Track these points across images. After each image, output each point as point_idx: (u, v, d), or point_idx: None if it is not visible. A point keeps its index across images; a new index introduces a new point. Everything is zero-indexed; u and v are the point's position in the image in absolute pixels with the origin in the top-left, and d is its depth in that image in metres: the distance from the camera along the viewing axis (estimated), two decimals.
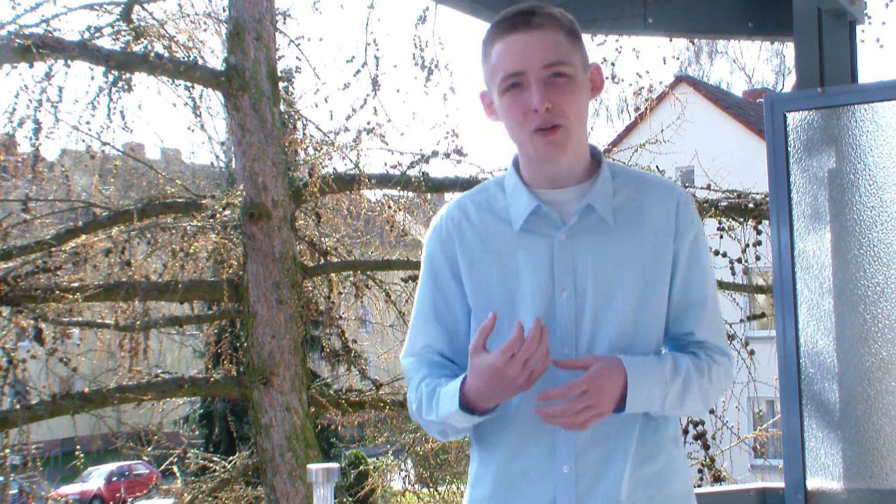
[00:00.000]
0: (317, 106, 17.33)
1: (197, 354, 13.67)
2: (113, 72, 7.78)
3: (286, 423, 7.59)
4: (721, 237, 6.74)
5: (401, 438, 9.54)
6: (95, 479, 23.38)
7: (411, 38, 8.41)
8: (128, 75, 7.90)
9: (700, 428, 6.33)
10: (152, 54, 7.67)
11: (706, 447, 6.35)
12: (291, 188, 7.96)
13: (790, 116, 2.66)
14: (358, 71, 7.91)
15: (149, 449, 8.50)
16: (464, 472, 8.70)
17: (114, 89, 7.90)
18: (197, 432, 18.40)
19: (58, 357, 7.73)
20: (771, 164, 2.66)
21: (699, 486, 6.36)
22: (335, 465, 3.04)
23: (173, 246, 8.09)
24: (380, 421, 9.56)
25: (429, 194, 8.27)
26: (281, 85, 8.78)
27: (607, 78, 7.89)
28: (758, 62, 54.69)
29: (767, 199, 2.76)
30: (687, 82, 21.84)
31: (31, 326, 7.52)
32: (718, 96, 23.20)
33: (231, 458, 8.73)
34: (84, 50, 7.40)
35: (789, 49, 33.72)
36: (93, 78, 7.95)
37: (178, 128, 70.55)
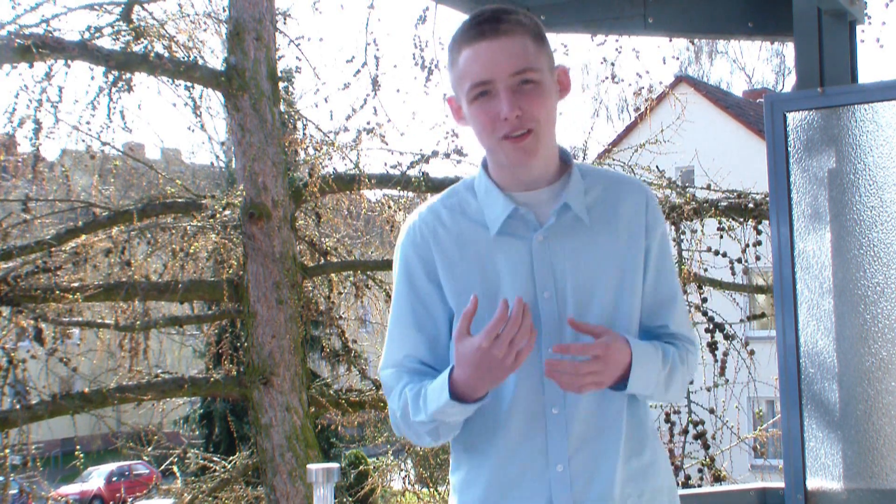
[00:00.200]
0: (317, 106, 17.38)
1: (197, 354, 13.68)
2: (113, 72, 7.78)
3: (286, 423, 7.59)
4: (721, 237, 6.72)
5: (401, 438, 9.51)
6: (95, 479, 23.38)
7: (411, 38, 8.42)
8: (128, 75, 7.89)
9: (700, 428, 6.31)
10: (152, 54, 7.66)
11: (706, 447, 6.33)
12: (291, 188, 7.96)
13: (790, 116, 2.66)
14: (358, 71, 7.91)
15: (149, 449, 8.49)
16: None
17: (114, 89, 7.90)
18: (197, 432, 18.40)
19: (58, 357, 7.72)
20: (771, 164, 2.66)
21: (699, 485, 6.35)
22: (335, 465, 3.04)
23: (173, 246, 8.08)
24: (380, 421, 9.56)
25: (429, 194, 8.26)
26: (281, 85, 8.78)
27: (607, 78, 7.91)
28: (758, 62, 54.71)
29: (767, 199, 2.76)
30: (687, 82, 21.83)
31: (31, 326, 7.52)
32: (718, 96, 23.18)
33: (231, 458, 8.72)
34: (84, 50, 7.40)
35: (789, 49, 33.73)
36: (93, 78, 7.95)
37: (178, 128, 70.61)
